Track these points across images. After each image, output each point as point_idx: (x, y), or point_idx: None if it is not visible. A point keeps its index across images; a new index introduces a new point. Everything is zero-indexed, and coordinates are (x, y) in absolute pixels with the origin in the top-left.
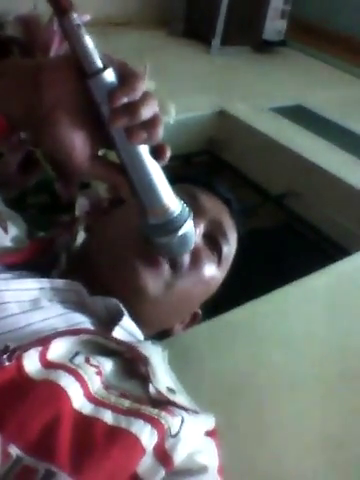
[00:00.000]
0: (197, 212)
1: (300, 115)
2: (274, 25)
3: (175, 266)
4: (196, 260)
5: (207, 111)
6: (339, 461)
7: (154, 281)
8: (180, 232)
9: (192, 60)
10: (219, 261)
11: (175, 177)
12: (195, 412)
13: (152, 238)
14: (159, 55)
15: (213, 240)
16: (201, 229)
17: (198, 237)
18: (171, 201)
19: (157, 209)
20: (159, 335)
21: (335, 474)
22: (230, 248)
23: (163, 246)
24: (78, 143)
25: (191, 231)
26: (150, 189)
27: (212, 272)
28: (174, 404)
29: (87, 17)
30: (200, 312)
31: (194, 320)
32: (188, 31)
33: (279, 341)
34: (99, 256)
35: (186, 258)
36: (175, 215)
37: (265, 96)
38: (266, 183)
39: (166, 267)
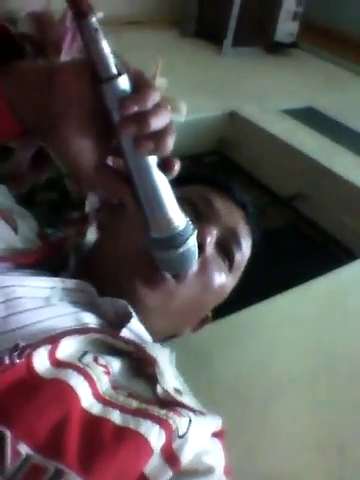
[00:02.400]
0: (211, 218)
1: (311, 117)
2: (286, 27)
3: (178, 277)
4: (205, 268)
5: (218, 112)
6: (345, 461)
7: (153, 294)
8: (181, 249)
9: (203, 61)
10: (230, 269)
11: (190, 176)
12: (201, 413)
13: (152, 252)
14: (170, 55)
15: (226, 248)
16: (214, 236)
17: (210, 245)
18: (176, 216)
19: (160, 223)
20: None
21: (341, 474)
22: (243, 255)
23: (163, 261)
24: (85, 149)
25: (194, 249)
26: (155, 201)
27: (222, 280)
28: (181, 404)
29: (99, 14)
30: (210, 314)
31: (203, 322)
32: (200, 31)
33: (286, 343)
34: (105, 263)
35: (194, 266)
36: (178, 231)
37: (276, 98)
38: (275, 185)
39: (169, 279)
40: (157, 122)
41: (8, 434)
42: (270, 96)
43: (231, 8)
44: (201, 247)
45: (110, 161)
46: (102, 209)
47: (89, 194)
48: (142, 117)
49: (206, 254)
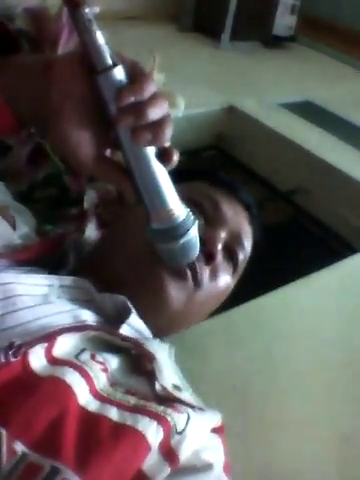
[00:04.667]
0: (218, 222)
1: (309, 111)
2: (284, 20)
3: (196, 280)
4: (215, 274)
5: (216, 106)
6: (347, 457)
7: (178, 294)
8: (183, 240)
9: (201, 55)
10: (234, 271)
11: (193, 173)
12: (200, 409)
13: (154, 243)
14: (168, 50)
15: (231, 250)
16: (222, 241)
17: (220, 251)
18: (176, 206)
19: (161, 214)
20: None
21: (343, 470)
22: (245, 256)
23: (165, 253)
24: (84, 141)
25: (195, 239)
26: (154, 193)
27: (227, 282)
28: (179, 401)
29: (96, 9)
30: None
31: None
32: (197, 26)
33: (286, 338)
34: (112, 259)
35: (206, 273)
36: (179, 221)
37: (274, 92)
38: (274, 179)
39: (190, 281)
40: (154, 112)
41: (4, 432)
42: (268, 90)
43: (229, 2)
44: (211, 255)
45: (108, 153)
46: (101, 205)
47: (88, 190)
48: (139, 108)
49: (217, 261)
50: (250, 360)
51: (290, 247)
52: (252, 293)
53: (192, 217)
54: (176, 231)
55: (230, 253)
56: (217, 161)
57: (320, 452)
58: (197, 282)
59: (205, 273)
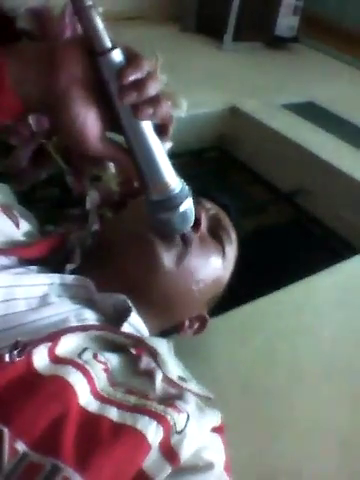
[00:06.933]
0: (197, 207)
1: (312, 112)
2: (287, 21)
3: (186, 240)
4: (204, 244)
5: (218, 107)
6: (350, 456)
7: (168, 251)
8: (181, 208)
9: (204, 56)
10: (223, 254)
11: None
12: (208, 398)
13: (154, 214)
14: (171, 50)
15: (216, 234)
16: (204, 221)
17: (205, 219)
18: (172, 179)
19: (159, 186)
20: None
21: (346, 469)
22: (232, 246)
23: (165, 222)
24: (90, 121)
25: (191, 209)
26: (153, 166)
27: (218, 264)
28: (188, 390)
29: (99, 10)
30: (208, 317)
31: (202, 325)
32: (200, 26)
33: (288, 338)
34: (113, 238)
35: (196, 238)
36: (176, 192)
37: (277, 92)
38: (277, 180)
39: (178, 240)
40: (153, 88)
41: (6, 432)
42: (271, 91)
43: (231, 3)
44: (197, 221)
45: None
46: (103, 206)
47: (90, 190)
48: (140, 84)
49: (203, 232)
50: (252, 361)
51: (292, 248)
52: (254, 294)
53: (187, 188)
54: (174, 201)
55: (216, 236)
56: (219, 162)
57: (321, 450)
58: (185, 241)
59: (195, 238)
